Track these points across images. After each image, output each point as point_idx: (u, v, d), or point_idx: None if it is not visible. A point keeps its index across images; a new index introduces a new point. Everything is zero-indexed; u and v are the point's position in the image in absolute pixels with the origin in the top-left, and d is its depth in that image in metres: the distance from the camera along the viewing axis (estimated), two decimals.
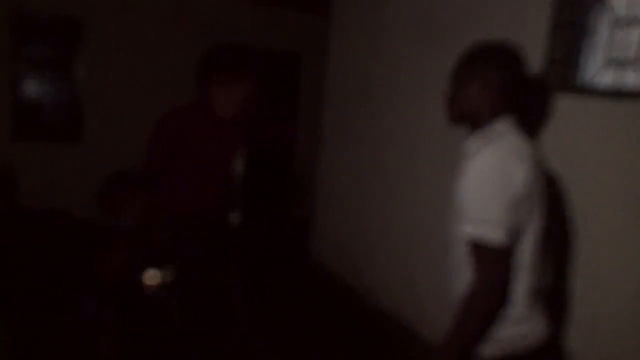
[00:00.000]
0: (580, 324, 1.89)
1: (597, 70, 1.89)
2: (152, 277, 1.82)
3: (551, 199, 1.41)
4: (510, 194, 1.20)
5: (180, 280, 1.86)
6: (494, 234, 1.18)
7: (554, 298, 1.45)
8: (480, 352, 1.33)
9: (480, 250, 1.22)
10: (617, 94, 1.75)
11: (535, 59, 2.02)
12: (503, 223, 1.18)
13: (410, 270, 2.92)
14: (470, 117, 1.40)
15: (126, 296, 1.80)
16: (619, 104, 1.74)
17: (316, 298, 3.61)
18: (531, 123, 1.90)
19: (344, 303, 3.47)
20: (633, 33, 1.78)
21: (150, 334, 1.82)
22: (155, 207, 1.82)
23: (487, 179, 1.20)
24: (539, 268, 1.33)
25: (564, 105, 1.92)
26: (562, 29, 1.99)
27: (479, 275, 1.22)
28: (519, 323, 1.32)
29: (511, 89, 1.35)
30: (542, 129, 1.97)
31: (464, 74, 1.40)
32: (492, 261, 1.21)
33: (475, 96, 1.36)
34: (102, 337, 1.75)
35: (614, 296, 1.77)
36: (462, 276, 1.35)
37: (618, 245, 1.76)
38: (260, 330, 2.73)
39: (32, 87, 4.20)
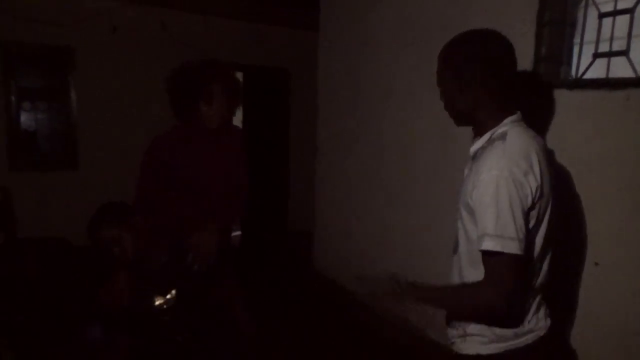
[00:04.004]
0: (583, 319, 1.88)
1: (586, 64, 1.91)
2: (153, 299, 1.82)
3: (559, 194, 1.41)
4: (523, 206, 1.18)
5: (182, 301, 1.84)
6: (510, 248, 1.16)
7: (555, 292, 1.44)
8: (482, 349, 1.32)
9: (495, 259, 1.19)
10: (607, 86, 1.76)
11: (524, 57, 2.04)
12: (518, 235, 1.17)
13: (411, 274, 2.90)
14: (471, 121, 1.36)
15: (131, 320, 1.80)
16: (609, 96, 1.75)
17: (320, 307, 3.60)
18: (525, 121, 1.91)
19: (347, 310, 3.45)
20: (619, 25, 1.80)
21: (158, 355, 1.81)
22: (147, 236, 1.82)
23: (501, 196, 1.17)
24: (542, 266, 1.33)
25: (555, 101, 1.93)
26: (549, 26, 2.01)
27: (493, 279, 1.20)
28: (522, 319, 1.31)
29: (503, 82, 1.29)
30: (536, 125, 1.98)
31: (444, 75, 1.35)
32: (508, 269, 1.18)
33: (464, 98, 1.31)
34: None
35: (616, 290, 1.77)
36: (465, 275, 1.36)
37: (615, 237, 1.76)
38: (265, 341, 2.71)
39: (26, 117, 4.20)
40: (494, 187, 1.18)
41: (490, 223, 1.18)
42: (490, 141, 1.28)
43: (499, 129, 1.29)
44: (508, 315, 1.25)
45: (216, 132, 2.19)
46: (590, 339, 1.86)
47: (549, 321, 1.37)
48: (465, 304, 1.28)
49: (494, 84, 1.28)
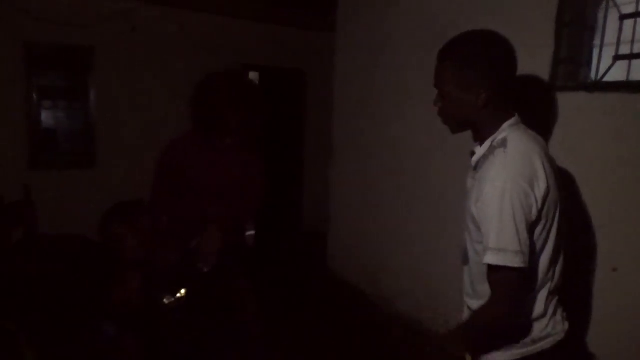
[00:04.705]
0: (601, 324, 1.85)
1: (606, 66, 1.88)
2: (163, 298, 1.84)
3: (565, 197, 1.39)
4: (527, 217, 1.16)
5: (193, 301, 1.86)
6: (513, 262, 1.15)
7: (571, 297, 1.42)
8: (500, 356, 1.31)
9: (498, 273, 1.18)
10: (628, 89, 1.73)
11: (543, 59, 2.01)
12: (522, 248, 1.15)
13: (427, 277, 2.89)
14: (469, 126, 1.33)
15: (142, 320, 1.82)
16: (630, 99, 1.72)
17: (334, 307, 3.60)
18: (541, 123, 1.88)
19: (362, 311, 3.44)
20: None
21: (167, 354, 1.82)
22: (155, 237, 1.85)
23: (504, 208, 1.14)
24: (555, 269, 1.31)
25: (575, 104, 1.91)
26: (568, 28, 1.98)
27: (498, 295, 1.20)
28: (538, 324, 1.30)
29: (503, 84, 1.25)
30: (553, 128, 1.95)
31: (441, 81, 1.31)
32: (511, 283, 1.18)
33: (461, 105, 1.27)
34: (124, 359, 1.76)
35: (633, 293, 1.74)
36: (478, 286, 1.34)
37: (635, 242, 1.72)
38: (277, 341, 2.72)
39: (46, 116, 4.27)
40: (498, 200, 1.15)
41: (493, 236, 1.16)
42: (491, 149, 1.26)
43: (499, 135, 1.26)
44: (517, 324, 1.26)
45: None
46: (607, 345, 1.83)
47: (566, 325, 1.35)
48: (483, 327, 1.26)
49: (494, 85, 1.24)
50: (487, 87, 1.23)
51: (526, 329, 1.30)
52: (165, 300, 1.82)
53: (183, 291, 1.85)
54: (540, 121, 1.85)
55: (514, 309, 1.21)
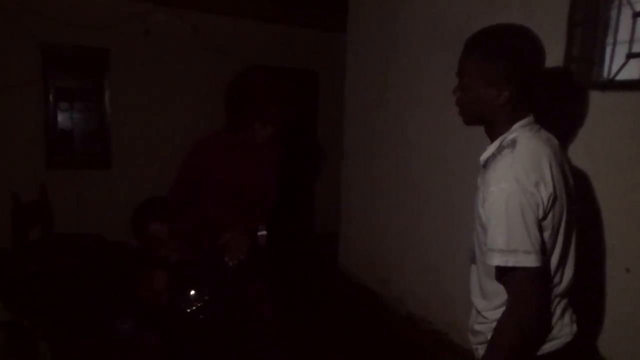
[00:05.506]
0: (612, 326, 1.83)
1: (619, 64, 1.86)
2: (189, 297, 1.84)
3: (577, 197, 1.38)
4: (535, 217, 1.14)
5: (214, 299, 1.87)
6: (524, 262, 1.12)
7: (584, 299, 1.41)
8: None
9: (510, 275, 1.16)
10: None
11: (555, 58, 2.00)
12: (535, 247, 1.13)
13: (439, 278, 2.88)
14: (483, 120, 1.31)
15: (164, 318, 1.83)
16: None
17: (345, 308, 3.60)
18: (554, 122, 1.87)
19: (373, 312, 3.45)
20: None
21: (188, 353, 1.83)
22: (185, 237, 1.84)
23: (512, 209, 1.12)
24: (563, 272, 1.29)
25: (587, 102, 1.89)
26: (581, 26, 1.97)
27: (514, 298, 1.17)
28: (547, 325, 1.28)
29: (525, 82, 1.22)
30: (566, 127, 1.94)
31: (464, 72, 1.29)
32: (526, 283, 1.15)
33: (480, 100, 1.25)
34: (141, 356, 1.77)
35: None
36: (485, 286, 1.33)
37: None
38: (290, 341, 2.73)
39: (63, 117, 4.35)
40: (504, 201, 1.13)
41: (502, 238, 1.14)
42: (500, 149, 1.24)
43: (509, 135, 1.25)
44: (541, 323, 1.22)
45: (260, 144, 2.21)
46: (619, 346, 1.81)
47: (575, 327, 1.33)
48: (506, 337, 1.17)
49: (519, 84, 1.22)
50: (511, 85, 1.21)
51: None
52: (191, 298, 1.82)
53: (208, 291, 1.85)
54: (553, 120, 1.84)
55: (535, 309, 1.16)
